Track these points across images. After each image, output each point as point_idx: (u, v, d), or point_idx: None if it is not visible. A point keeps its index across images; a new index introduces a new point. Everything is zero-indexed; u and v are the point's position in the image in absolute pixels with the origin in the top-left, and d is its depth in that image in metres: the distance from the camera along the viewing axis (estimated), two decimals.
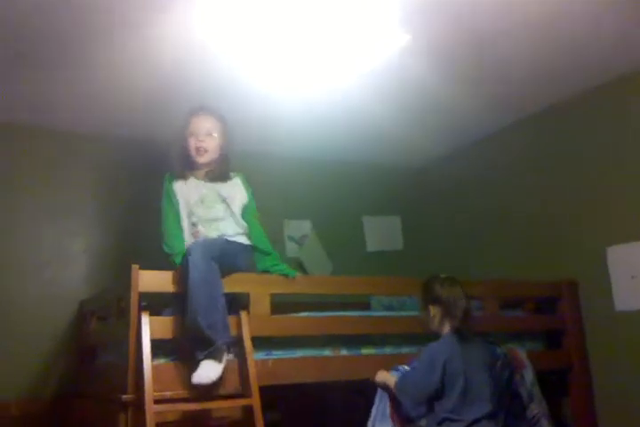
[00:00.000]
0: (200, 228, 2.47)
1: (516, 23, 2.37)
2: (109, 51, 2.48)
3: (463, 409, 2.10)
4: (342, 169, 3.93)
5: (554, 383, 2.89)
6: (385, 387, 2.30)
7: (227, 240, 2.42)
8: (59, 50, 2.46)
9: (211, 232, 2.45)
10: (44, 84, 2.76)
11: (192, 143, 2.53)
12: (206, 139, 2.53)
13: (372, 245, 3.95)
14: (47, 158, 3.22)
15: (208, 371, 2.06)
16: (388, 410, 2.26)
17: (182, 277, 2.20)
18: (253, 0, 2.13)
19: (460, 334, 2.23)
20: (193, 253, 2.18)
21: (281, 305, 2.42)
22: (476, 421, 2.08)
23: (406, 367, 2.33)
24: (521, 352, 2.65)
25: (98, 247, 3.22)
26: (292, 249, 3.71)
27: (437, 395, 2.14)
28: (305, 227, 3.78)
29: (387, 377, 2.31)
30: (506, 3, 2.23)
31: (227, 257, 2.29)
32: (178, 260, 2.34)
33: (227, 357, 2.15)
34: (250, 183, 2.65)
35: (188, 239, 2.47)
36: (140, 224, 3.24)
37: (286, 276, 2.47)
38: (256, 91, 2.84)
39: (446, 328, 2.26)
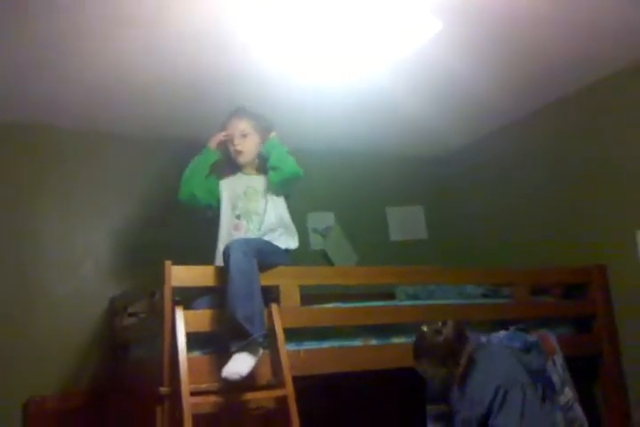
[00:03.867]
0: (242, 220, 2.54)
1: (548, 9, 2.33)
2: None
3: None
4: (364, 160, 3.91)
5: (583, 370, 2.87)
6: None
7: (265, 241, 2.47)
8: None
9: (251, 225, 2.51)
10: (60, 83, 2.76)
11: (230, 147, 2.65)
12: (241, 141, 2.63)
13: (395, 234, 3.95)
14: (74, 159, 3.24)
15: (239, 365, 2.06)
16: None
17: (221, 272, 2.26)
18: None
19: None
20: (233, 249, 2.24)
21: (306, 297, 2.42)
22: None
23: None
24: (552, 338, 2.63)
25: (124, 246, 3.25)
26: (316, 241, 3.73)
27: None
28: (328, 219, 3.78)
29: None
30: None
31: (264, 255, 2.34)
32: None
33: (262, 351, 2.16)
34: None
35: (229, 233, 2.54)
36: (167, 222, 3.28)
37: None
38: (280, 81, 2.80)
39: None
